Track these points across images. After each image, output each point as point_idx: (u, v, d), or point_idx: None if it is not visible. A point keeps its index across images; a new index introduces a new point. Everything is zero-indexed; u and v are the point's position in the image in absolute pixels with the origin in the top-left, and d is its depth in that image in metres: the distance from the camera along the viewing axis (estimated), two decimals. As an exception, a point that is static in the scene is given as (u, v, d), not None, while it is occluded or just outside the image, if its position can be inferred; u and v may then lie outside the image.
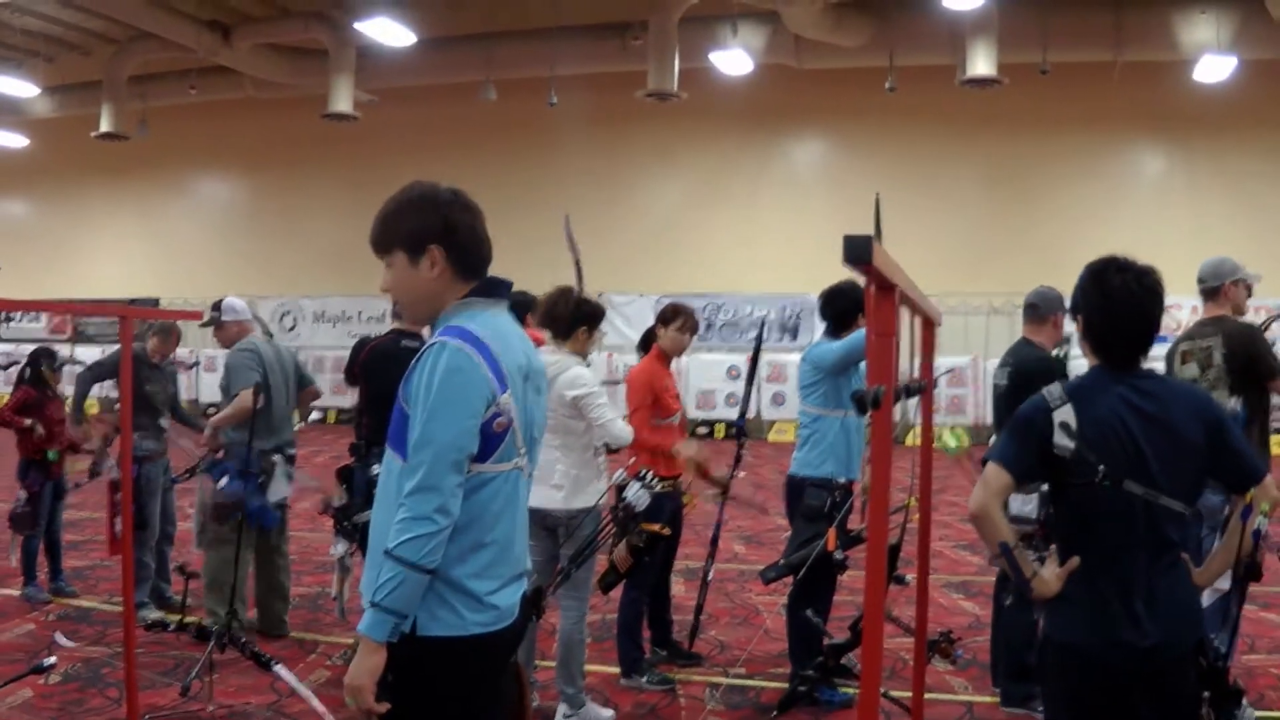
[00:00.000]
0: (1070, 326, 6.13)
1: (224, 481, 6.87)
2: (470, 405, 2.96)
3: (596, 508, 5.88)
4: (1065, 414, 3.39)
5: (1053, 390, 3.47)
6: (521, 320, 6.94)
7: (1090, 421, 3.37)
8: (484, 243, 3.20)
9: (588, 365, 6.08)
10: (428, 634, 2.92)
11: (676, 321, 6.91)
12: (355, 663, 2.89)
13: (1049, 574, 3.45)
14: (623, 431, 5.90)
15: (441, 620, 2.94)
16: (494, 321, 3.13)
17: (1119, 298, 3.43)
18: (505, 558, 3.11)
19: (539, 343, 6.84)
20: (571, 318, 6.00)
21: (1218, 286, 5.90)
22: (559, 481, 5.86)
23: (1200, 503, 5.20)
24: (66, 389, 8.71)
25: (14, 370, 8.96)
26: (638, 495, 6.12)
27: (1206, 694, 3.36)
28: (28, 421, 8.12)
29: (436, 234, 3.11)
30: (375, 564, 2.96)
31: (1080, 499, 3.41)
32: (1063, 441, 3.37)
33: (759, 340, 7.91)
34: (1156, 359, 3.66)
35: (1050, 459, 3.41)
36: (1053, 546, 3.55)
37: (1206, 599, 3.80)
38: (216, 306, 7.61)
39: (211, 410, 9.03)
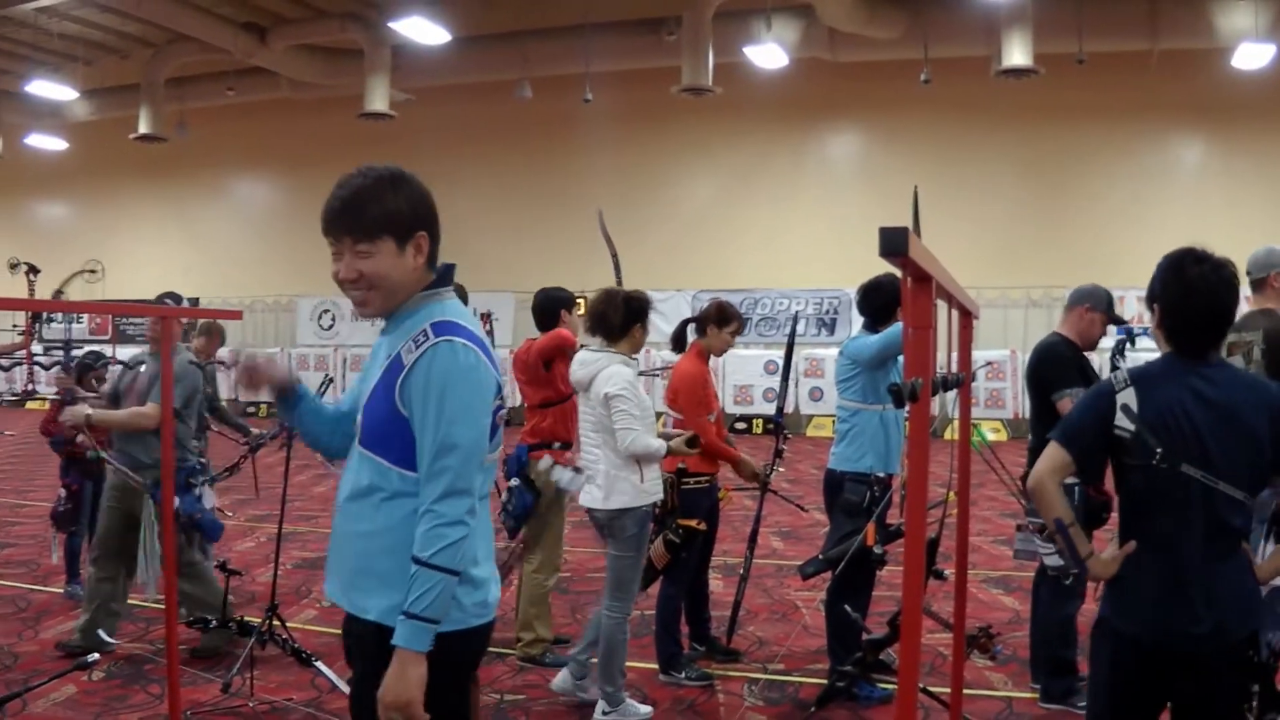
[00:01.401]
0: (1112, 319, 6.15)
1: (179, 501, 6.57)
2: (486, 404, 2.95)
3: (640, 509, 5.88)
4: (1127, 396, 3.44)
5: (1118, 374, 3.54)
6: (556, 316, 7.03)
7: (1151, 405, 3.41)
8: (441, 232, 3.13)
9: (635, 362, 6.06)
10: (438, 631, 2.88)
11: (731, 325, 6.90)
12: (397, 677, 2.80)
13: (1107, 555, 3.50)
14: (647, 446, 5.76)
15: (449, 617, 2.90)
16: (464, 312, 3.08)
17: (1197, 287, 3.45)
18: (489, 540, 3.14)
19: (567, 341, 6.87)
20: (623, 319, 5.99)
21: (1264, 278, 5.82)
22: (600, 481, 5.88)
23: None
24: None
25: (55, 370, 9.03)
26: (571, 480, 6.18)
27: (1255, 688, 3.34)
28: (77, 435, 8.16)
29: (424, 221, 3.05)
30: (354, 570, 2.98)
31: (1138, 482, 3.44)
32: (1123, 423, 3.42)
33: (792, 335, 7.88)
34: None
35: (1112, 440, 3.45)
36: (1115, 531, 3.55)
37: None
38: (174, 297, 7.50)
39: (251, 410, 9.06)
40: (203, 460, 7.31)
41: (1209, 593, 3.33)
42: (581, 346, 6.42)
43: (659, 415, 6.65)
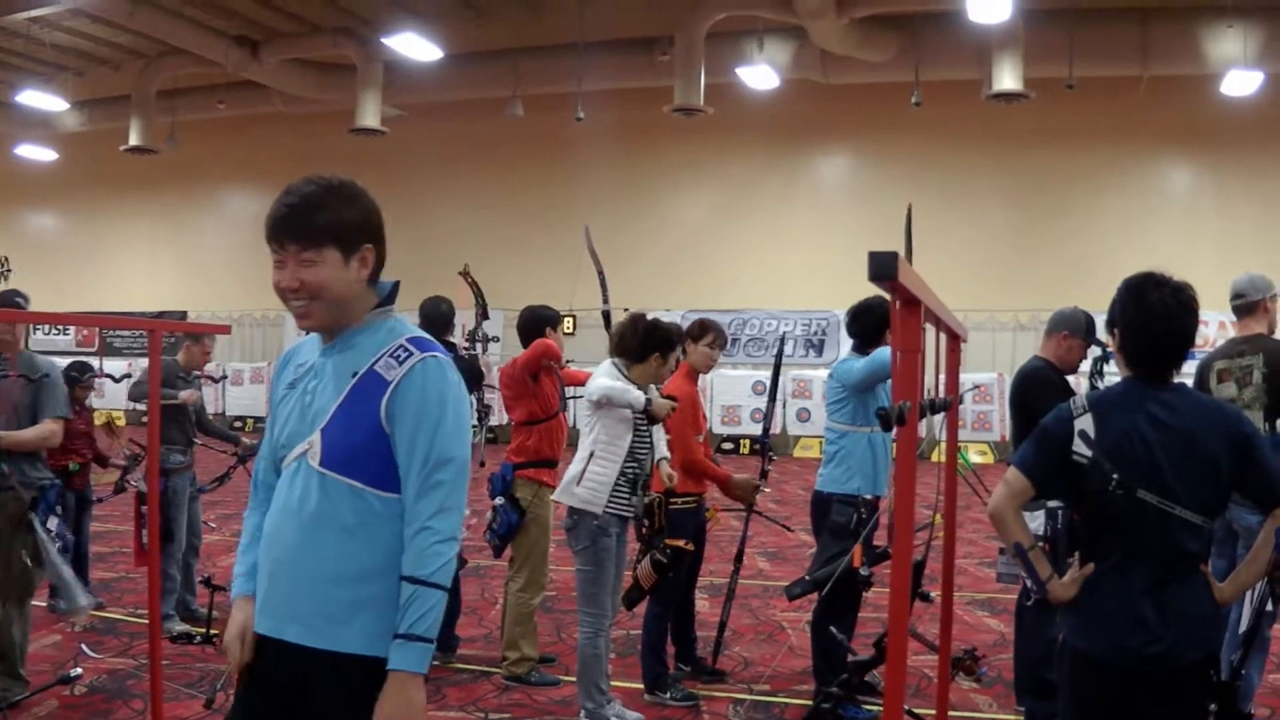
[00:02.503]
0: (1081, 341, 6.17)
1: (54, 523, 5.99)
2: (469, 417, 2.99)
3: (589, 517, 5.87)
4: (1085, 423, 3.45)
5: (1076, 400, 3.55)
6: (541, 335, 7.03)
7: (1108, 431, 3.43)
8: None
9: (654, 391, 6.11)
10: (380, 654, 2.76)
11: (706, 338, 6.91)
12: (401, 701, 2.71)
13: (1067, 578, 3.52)
14: (609, 388, 5.83)
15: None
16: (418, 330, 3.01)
17: (1156, 312, 3.47)
18: None
19: (551, 351, 6.90)
20: (639, 344, 6.05)
21: (1257, 301, 5.80)
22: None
23: (1239, 523, 5.19)
24: (94, 401, 8.75)
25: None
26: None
27: (1213, 707, 3.36)
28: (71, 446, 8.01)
29: (372, 234, 2.92)
30: (325, 601, 2.80)
31: (1095, 506, 3.46)
32: (1081, 449, 3.44)
33: (779, 357, 7.87)
34: (1187, 375, 3.66)
35: (1070, 467, 3.46)
36: (1076, 554, 3.58)
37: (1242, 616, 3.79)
38: (21, 295, 6.86)
39: (238, 424, 9.02)
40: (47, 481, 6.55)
41: (1164, 614, 3.35)
42: (569, 361, 6.45)
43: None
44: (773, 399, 7.68)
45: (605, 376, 5.93)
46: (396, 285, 3.03)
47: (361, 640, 2.77)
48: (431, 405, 2.81)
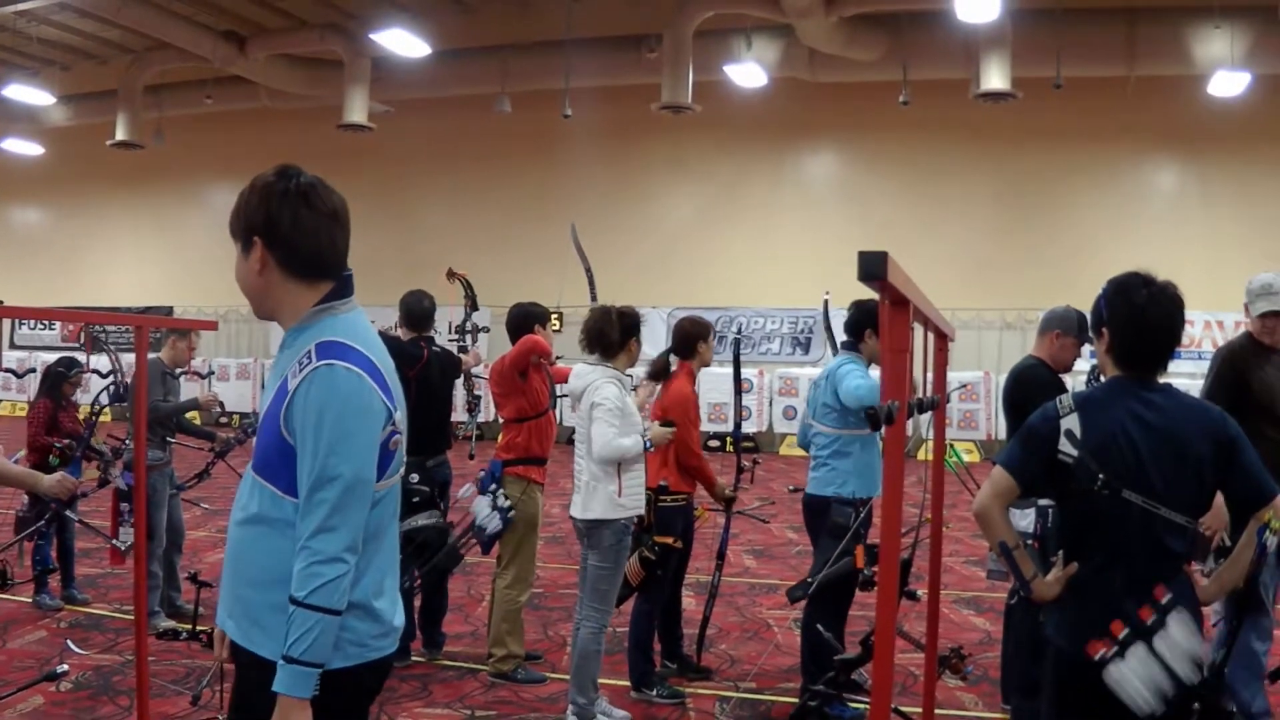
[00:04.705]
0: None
1: None
2: (371, 433, 2.76)
3: (618, 521, 5.90)
4: (1071, 422, 3.47)
5: (1063, 399, 3.56)
6: (529, 332, 7.05)
7: (1094, 430, 3.44)
8: (322, 242, 2.87)
9: (628, 378, 6.13)
10: (332, 667, 2.71)
11: (710, 336, 7.00)
12: None
13: (1050, 577, 3.53)
14: (618, 447, 5.83)
15: (345, 652, 2.75)
16: (357, 327, 2.90)
17: (1145, 311, 3.50)
18: (394, 569, 2.98)
19: (540, 346, 6.90)
20: (620, 334, 6.09)
21: None
22: (582, 490, 5.95)
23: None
24: (82, 397, 8.73)
25: (29, 378, 8.95)
26: (488, 516, 6.35)
27: (1196, 706, 3.37)
28: (60, 443, 8.13)
29: (258, 226, 2.83)
30: (244, 600, 2.80)
31: (1081, 506, 3.47)
32: (1067, 449, 3.45)
33: (736, 355, 7.81)
34: (1172, 375, 3.66)
35: (1056, 466, 3.47)
36: (1060, 553, 3.58)
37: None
38: None
39: (224, 421, 8.97)
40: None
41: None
42: (558, 358, 6.43)
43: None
44: (738, 395, 7.62)
45: (610, 387, 5.91)
46: (347, 279, 2.95)
47: (274, 645, 2.70)
48: (310, 419, 2.70)
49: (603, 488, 5.86)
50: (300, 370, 2.74)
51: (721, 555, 7.47)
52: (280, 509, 2.76)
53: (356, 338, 2.83)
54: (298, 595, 2.63)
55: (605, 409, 5.83)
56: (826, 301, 9.03)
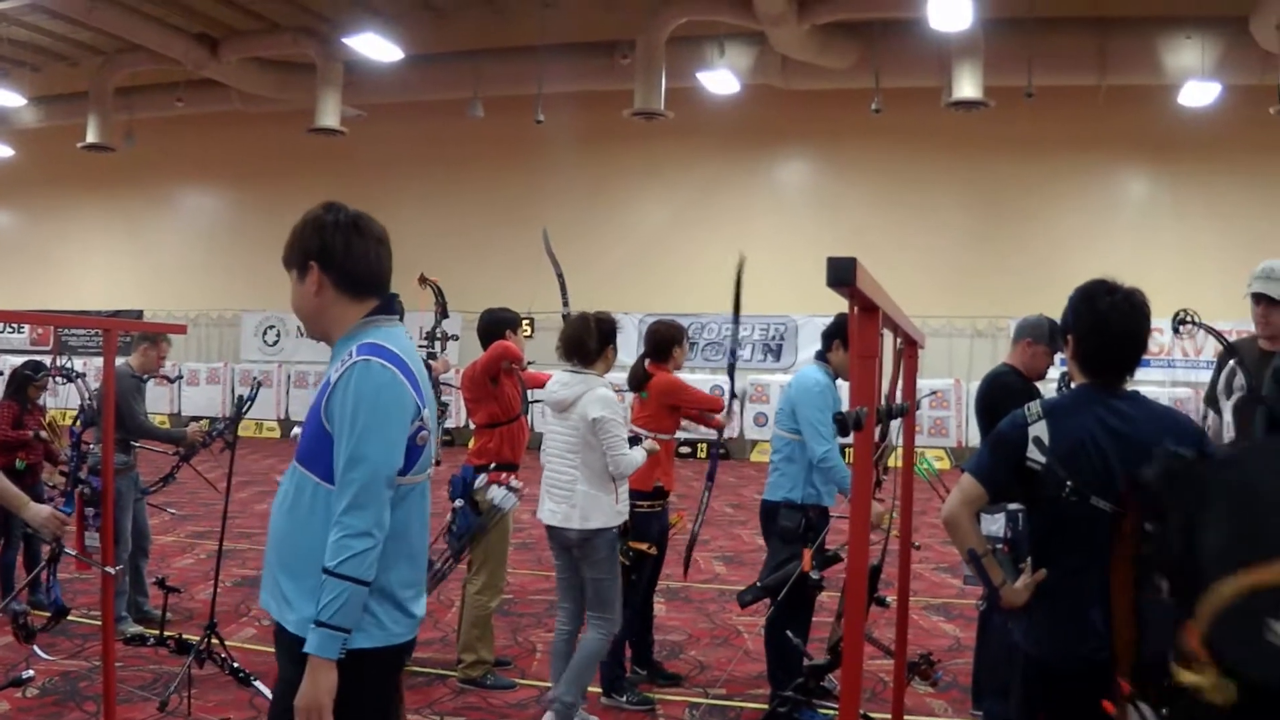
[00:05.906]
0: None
1: None
2: (399, 421, 3.06)
3: (611, 529, 5.89)
4: (1039, 429, 3.48)
5: (1031, 407, 3.57)
6: (500, 338, 7.04)
7: (1062, 437, 3.45)
8: (372, 263, 3.25)
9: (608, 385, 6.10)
10: (356, 646, 2.99)
11: (683, 340, 7.07)
12: (310, 683, 2.93)
13: (1019, 584, 3.54)
14: (635, 463, 5.91)
15: (368, 633, 3.03)
16: (399, 338, 3.21)
17: (1110, 318, 3.52)
18: (420, 565, 3.27)
19: (511, 352, 6.90)
20: (598, 342, 6.05)
21: None
22: (576, 501, 5.85)
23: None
24: (49, 400, 8.67)
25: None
26: (504, 498, 6.36)
27: (1164, 711, 3.38)
28: (30, 433, 8.10)
29: (314, 254, 3.20)
30: (281, 580, 3.08)
31: (1049, 513, 3.49)
32: (1035, 456, 3.46)
33: (731, 369, 7.89)
34: (1141, 382, 3.69)
35: (1024, 473, 3.49)
36: (1029, 560, 3.59)
37: None
38: None
39: (193, 424, 8.89)
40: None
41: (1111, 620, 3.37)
42: (529, 363, 6.43)
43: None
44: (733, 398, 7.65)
45: (607, 400, 5.90)
46: (393, 297, 3.31)
47: (296, 622, 3.02)
48: (348, 406, 3.01)
49: (605, 498, 5.84)
50: (342, 366, 3.08)
51: (688, 562, 7.52)
52: (316, 495, 3.06)
53: (394, 343, 3.16)
54: (329, 565, 2.93)
55: (614, 424, 5.81)
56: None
